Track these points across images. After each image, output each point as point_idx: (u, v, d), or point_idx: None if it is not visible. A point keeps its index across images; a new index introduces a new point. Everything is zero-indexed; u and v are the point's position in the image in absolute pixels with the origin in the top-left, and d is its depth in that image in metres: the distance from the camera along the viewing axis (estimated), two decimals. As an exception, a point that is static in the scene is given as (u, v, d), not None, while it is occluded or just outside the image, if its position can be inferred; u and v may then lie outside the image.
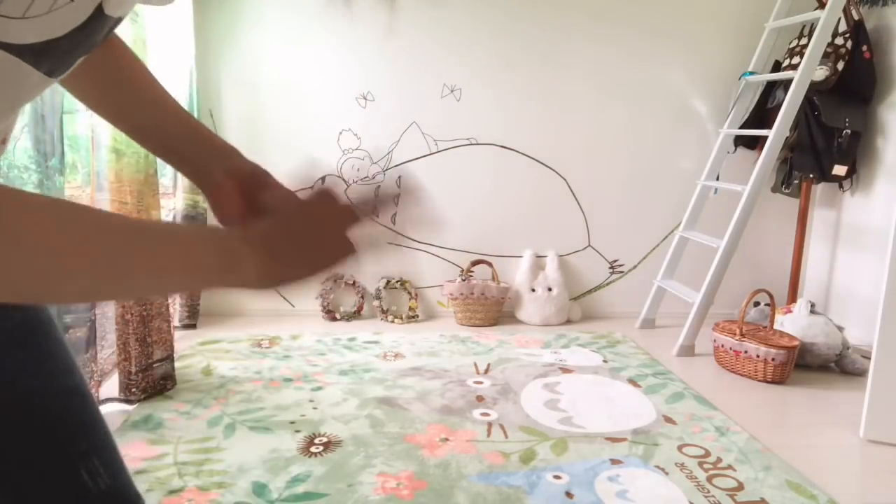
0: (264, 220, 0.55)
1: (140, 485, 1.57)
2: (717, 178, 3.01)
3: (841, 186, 3.00)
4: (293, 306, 3.10)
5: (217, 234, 0.51)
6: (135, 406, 2.01)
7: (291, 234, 0.53)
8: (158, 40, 2.28)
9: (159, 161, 1.92)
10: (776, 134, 2.61)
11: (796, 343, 2.47)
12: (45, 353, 0.61)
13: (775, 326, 2.61)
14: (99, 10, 0.46)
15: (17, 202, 0.38)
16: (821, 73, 2.70)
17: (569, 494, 1.60)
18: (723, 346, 2.57)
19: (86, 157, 1.84)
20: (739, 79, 2.99)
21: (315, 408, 2.05)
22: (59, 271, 0.39)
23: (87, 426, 0.62)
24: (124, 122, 0.71)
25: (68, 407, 0.61)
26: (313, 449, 1.78)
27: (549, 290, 3.09)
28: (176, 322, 2.75)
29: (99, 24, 0.48)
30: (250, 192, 0.66)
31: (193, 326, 2.84)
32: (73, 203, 0.43)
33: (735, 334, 2.52)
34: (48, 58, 0.46)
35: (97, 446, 0.62)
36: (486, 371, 2.43)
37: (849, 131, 2.76)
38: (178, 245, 0.47)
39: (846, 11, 2.68)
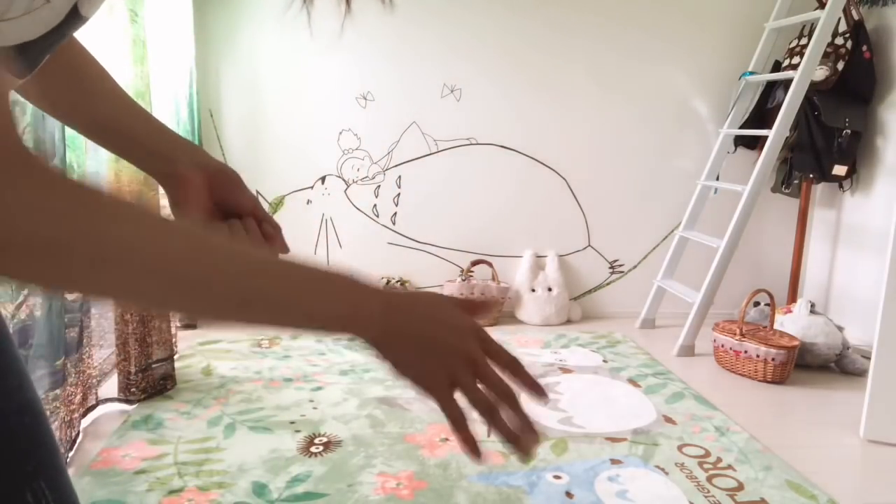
0: (412, 293, 0.54)
1: (140, 485, 1.58)
2: (717, 178, 3.01)
3: (841, 186, 3.00)
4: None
5: (350, 282, 0.50)
6: (135, 406, 2.01)
7: (432, 317, 0.52)
8: (158, 40, 2.28)
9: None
10: (776, 134, 2.61)
11: (796, 343, 2.47)
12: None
13: (775, 326, 2.61)
14: (74, 10, 0.46)
15: (154, 229, 0.39)
16: (821, 73, 2.70)
17: (569, 494, 1.60)
18: (723, 346, 2.57)
19: (82, 156, 1.84)
20: (739, 79, 2.99)
21: (315, 408, 2.05)
22: (179, 296, 0.41)
23: (35, 446, 0.59)
24: (81, 117, 0.68)
25: (17, 426, 0.58)
26: (313, 449, 1.78)
27: (549, 290, 3.10)
28: (176, 322, 2.75)
29: (72, 25, 0.47)
30: (217, 190, 0.64)
31: (193, 326, 2.84)
32: (204, 232, 0.44)
33: (735, 334, 2.52)
34: (22, 59, 0.45)
35: (45, 468, 0.59)
36: (486, 371, 2.43)
37: (849, 131, 2.76)
38: (307, 290, 0.47)
39: (846, 11, 2.68)
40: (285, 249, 0.67)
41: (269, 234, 0.67)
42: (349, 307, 0.49)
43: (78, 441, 1.76)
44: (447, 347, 0.53)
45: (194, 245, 0.42)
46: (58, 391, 1.59)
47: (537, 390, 0.55)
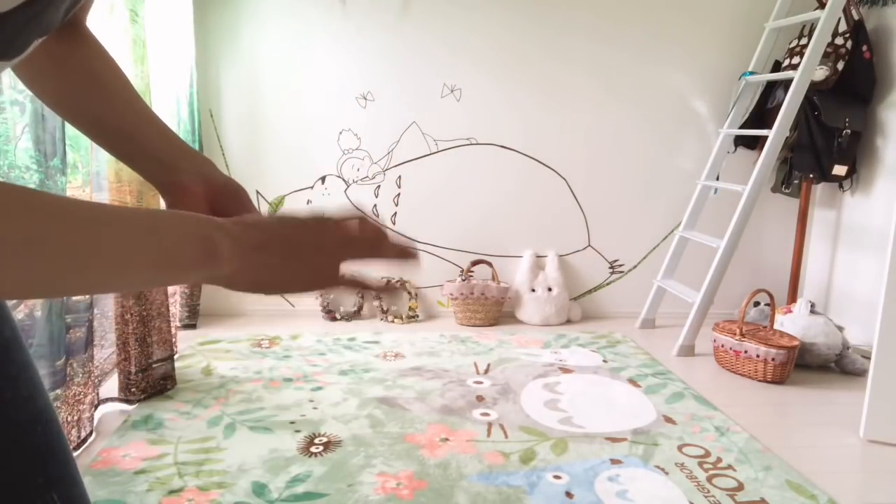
0: (255, 217, 0.50)
1: (140, 485, 1.58)
2: (717, 178, 3.01)
3: (841, 186, 3.00)
4: (293, 306, 3.10)
5: (195, 223, 0.46)
6: (135, 406, 2.01)
7: (285, 242, 0.49)
8: (158, 40, 2.28)
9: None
10: (776, 134, 2.61)
11: (796, 343, 2.47)
12: (4, 379, 0.56)
13: (775, 326, 2.61)
14: None
15: None
16: (821, 73, 2.70)
17: (569, 494, 1.60)
18: (723, 346, 2.57)
19: (86, 156, 1.84)
20: (739, 79, 2.99)
21: (315, 408, 2.05)
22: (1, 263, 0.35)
23: (47, 457, 0.57)
24: (88, 117, 0.65)
25: (28, 437, 0.56)
26: (313, 449, 1.78)
27: (549, 290, 3.10)
28: (176, 322, 2.75)
29: (56, 3, 0.45)
30: (220, 204, 0.62)
31: (193, 326, 2.84)
32: (26, 189, 0.38)
33: (735, 334, 2.52)
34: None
35: (56, 479, 0.58)
36: (486, 371, 2.43)
37: (849, 131, 2.76)
38: (150, 235, 0.42)
39: (846, 11, 2.68)
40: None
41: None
42: (202, 243, 0.45)
43: (90, 440, 1.77)
44: (306, 282, 0.51)
45: (17, 201, 0.37)
46: (58, 391, 1.59)
47: (406, 254, 0.55)
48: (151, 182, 0.65)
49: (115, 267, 0.41)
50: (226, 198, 0.63)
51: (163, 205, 0.65)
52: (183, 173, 0.62)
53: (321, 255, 0.51)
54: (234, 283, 0.47)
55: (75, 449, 1.70)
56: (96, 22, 1.78)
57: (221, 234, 0.46)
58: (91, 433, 1.79)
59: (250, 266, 0.47)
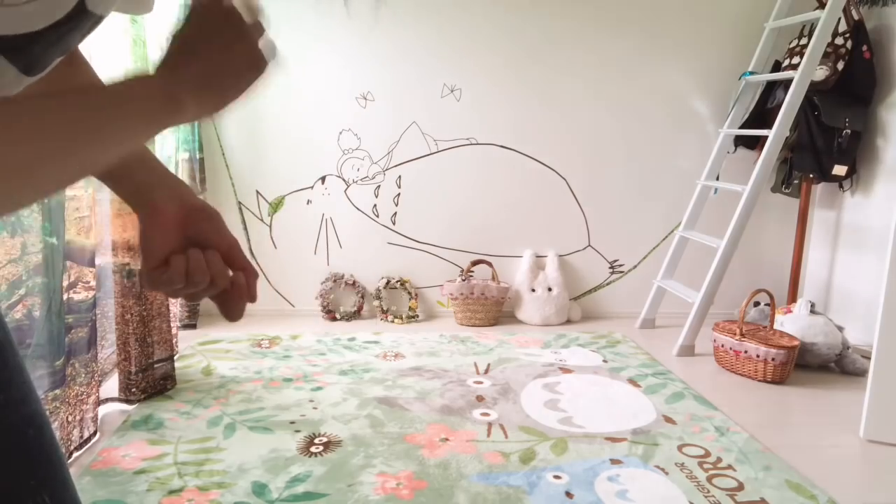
0: (170, 47, 0.52)
1: (140, 485, 1.58)
2: (717, 178, 3.01)
3: (841, 186, 3.00)
4: (293, 306, 3.10)
5: (153, 83, 0.48)
6: (135, 406, 2.01)
7: (206, 38, 0.51)
8: (158, 40, 2.28)
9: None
10: (776, 134, 2.61)
11: (796, 343, 2.47)
12: None
13: (775, 326, 2.61)
14: (81, 5, 0.45)
15: None
16: (821, 73, 2.70)
17: (569, 494, 1.60)
18: (723, 346, 2.57)
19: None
20: (739, 79, 2.99)
21: (315, 408, 2.05)
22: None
23: (40, 459, 0.58)
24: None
25: (21, 440, 0.57)
26: (313, 449, 1.78)
27: (549, 290, 3.10)
28: (176, 322, 2.75)
29: (80, 22, 0.46)
30: (193, 227, 0.62)
31: (193, 326, 2.84)
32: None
33: (735, 334, 2.52)
34: (24, 54, 0.44)
35: (49, 480, 0.58)
36: (486, 371, 2.43)
37: (849, 131, 2.76)
38: (120, 99, 0.44)
39: (846, 11, 2.68)
40: (252, 299, 0.64)
41: (240, 283, 0.63)
42: (163, 104, 0.47)
43: (94, 440, 1.78)
44: (242, 67, 0.53)
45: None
46: (58, 391, 1.59)
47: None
48: (127, 202, 0.64)
49: (96, 133, 0.41)
50: (199, 221, 0.62)
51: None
52: (157, 196, 0.62)
53: (239, 37, 0.53)
54: (201, 113, 0.51)
55: (78, 448, 1.70)
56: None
57: (174, 84, 0.48)
58: (95, 433, 1.79)
59: (202, 88, 0.49)
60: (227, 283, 0.62)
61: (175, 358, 2.21)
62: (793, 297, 3.07)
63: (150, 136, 0.48)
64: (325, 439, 1.84)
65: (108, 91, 0.45)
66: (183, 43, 0.51)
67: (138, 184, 0.62)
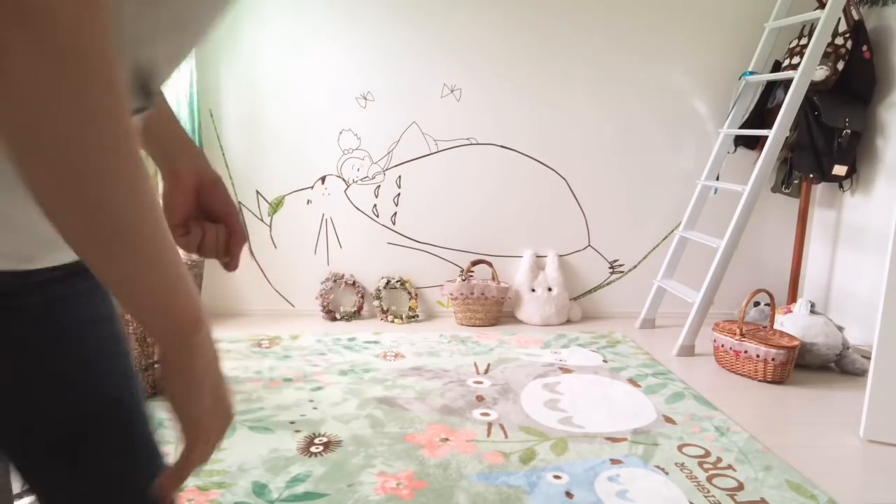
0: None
1: (140, 485, 1.57)
2: (717, 178, 3.01)
3: (841, 186, 3.00)
4: (293, 306, 3.10)
5: (198, 305, 0.51)
6: (135, 406, 2.01)
7: (215, 383, 0.53)
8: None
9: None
10: (776, 134, 2.61)
11: (796, 343, 2.47)
12: (129, 363, 0.66)
13: (775, 326, 2.61)
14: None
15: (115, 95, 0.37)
16: (821, 73, 2.70)
17: (569, 494, 1.60)
18: (723, 346, 2.57)
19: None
20: (739, 79, 2.99)
21: (315, 408, 2.05)
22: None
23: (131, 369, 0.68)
24: None
25: (146, 412, 0.68)
26: (313, 449, 1.78)
27: (549, 290, 3.10)
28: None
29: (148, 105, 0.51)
30: (206, 197, 0.66)
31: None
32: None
33: (735, 334, 2.52)
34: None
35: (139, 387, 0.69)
36: (486, 371, 2.43)
37: (849, 131, 2.76)
38: (176, 266, 0.46)
39: (846, 11, 2.68)
40: (234, 266, 0.68)
41: (230, 247, 0.67)
42: (196, 310, 0.49)
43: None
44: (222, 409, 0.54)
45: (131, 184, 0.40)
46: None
47: None
48: (153, 160, 0.67)
49: (144, 257, 0.43)
50: (211, 192, 0.66)
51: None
52: (181, 164, 0.65)
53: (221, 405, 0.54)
54: (195, 380, 0.50)
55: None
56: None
57: (208, 332, 0.50)
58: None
59: (200, 362, 0.50)
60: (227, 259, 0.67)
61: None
62: (793, 297, 3.07)
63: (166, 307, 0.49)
64: (325, 439, 1.84)
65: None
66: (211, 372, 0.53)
67: (163, 146, 0.66)
